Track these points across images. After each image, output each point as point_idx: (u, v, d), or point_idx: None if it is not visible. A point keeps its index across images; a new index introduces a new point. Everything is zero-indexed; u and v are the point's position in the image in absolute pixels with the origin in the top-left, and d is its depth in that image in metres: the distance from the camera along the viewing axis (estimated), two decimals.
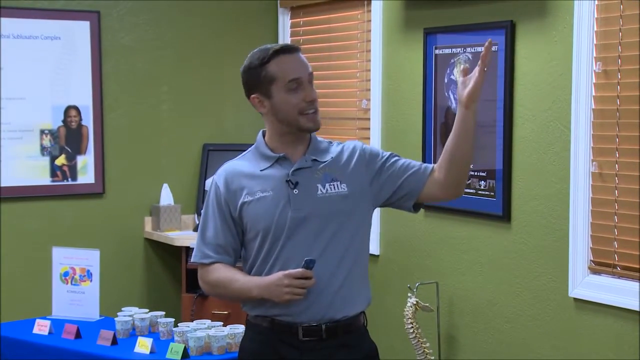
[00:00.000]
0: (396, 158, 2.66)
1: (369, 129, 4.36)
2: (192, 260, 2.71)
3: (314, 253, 2.54)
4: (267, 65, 2.57)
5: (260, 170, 2.61)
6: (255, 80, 2.59)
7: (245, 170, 2.63)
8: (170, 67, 4.82)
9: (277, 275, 2.53)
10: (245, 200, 2.60)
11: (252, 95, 2.62)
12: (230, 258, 2.64)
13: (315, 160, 2.62)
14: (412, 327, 3.76)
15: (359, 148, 2.66)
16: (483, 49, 2.49)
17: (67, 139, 4.58)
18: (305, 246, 2.55)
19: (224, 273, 2.62)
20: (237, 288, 2.60)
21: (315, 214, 2.56)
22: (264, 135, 2.67)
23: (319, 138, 2.70)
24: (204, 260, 2.64)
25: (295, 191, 2.57)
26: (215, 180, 2.67)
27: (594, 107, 3.31)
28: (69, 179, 4.60)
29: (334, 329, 2.58)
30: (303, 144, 2.64)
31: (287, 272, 2.51)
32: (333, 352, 2.58)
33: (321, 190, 2.58)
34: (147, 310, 3.70)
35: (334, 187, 2.59)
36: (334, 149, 2.67)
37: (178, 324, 3.47)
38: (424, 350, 3.76)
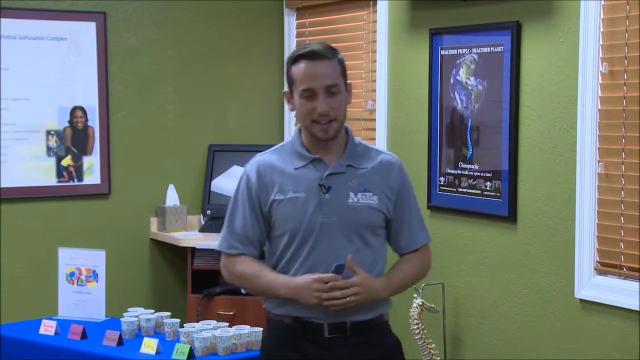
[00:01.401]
0: (411, 209, 2.71)
1: (374, 129, 4.36)
2: (217, 247, 2.73)
3: (342, 259, 2.55)
4: (292, 67, 2.61)
5: (294, 169, 2.62)
6: (286, 77, 2.65)
7: (278, 165, 2.64)
8: (176, 67, 4.83)
9: (306, 278, 2.55)
10: (276, 198, 2.61)
11: (285, 90, 2.67)
12: (256, 250, 2.68)
13: (350, 166, 2.62)
14: (417, 327, 3.75)
15: (399, 169, 2.69)
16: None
17: (73, 139, 4.59)
18: (333, 251, 2.58)
19: (250, 267, 2.64)
20: (264, 284, 2.62)
21: (345, 221, 2.59)
22: (300, 132, 2.67)
23: (357, 140, 2.70)
24: (230, 250, 2.67)
25: (327, 196, 2.59)
26: (247, 172, 2.67)
27: (600, 107, 3.31)
28: (75, 180, 4.60)
29: (358, 326, 2.62)
30: (338, 147, 2.64)
31: (317, 276, 2.54)
32: (356, 348, 2.61)
33: (352, 199, 2.60)
34: (153, 310, 3.70)
35: (366, 198, 2.61)
36: (373, 158, 2.67)
37: (184, 325, 3.47)
38: (429, 351, 3.75)
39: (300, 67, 2.57)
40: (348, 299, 2.53)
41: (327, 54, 2.60)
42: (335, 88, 2.58)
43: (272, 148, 2.72)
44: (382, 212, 2.63)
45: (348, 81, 2.66)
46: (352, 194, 2.60)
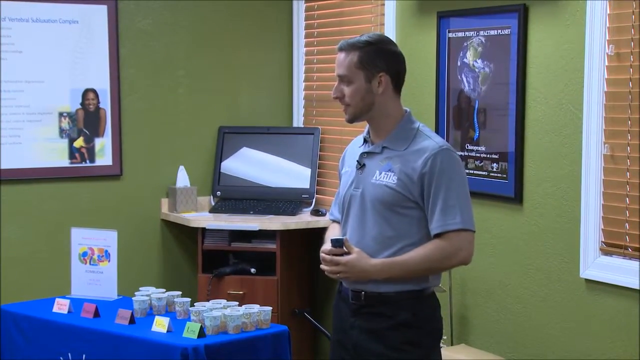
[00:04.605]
0: (438, 195, 2.70)
1: None
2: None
3: (358, 231, 2.76)
4: None
5: (359, 147, 2.86)
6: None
7: (356, 144, 2.90)
8: (187, 50, 4.86)
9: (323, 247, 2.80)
10: (342, 172, 2.91)
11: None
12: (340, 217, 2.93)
13: (386, 147, 2.76)
14: None
15: (431, 155, 2.70)
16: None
17: (85, 121, 4.64)
18: (355, 223, 2.78)
19: (327, 234, 2.94)
20: None
21: (366, 196, 2.75)
22: None
23: (415, 125, 2.78)
24: (329, 216, 3.03)
25: (360, 172, 2.79)
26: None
27: (606, 89, 3.33)
28: (87, 161, 4.65)
29: (372, 298, 2.76)
30: (384, 129, 2.78)
31: (323, 247, 2.77)
32: (370, 318, 2.77)
33: (376, 177, 2.75)
34: (164, 290, 3.74)
35: (386, 177, 2.73)
36: (415, 143, 2.74)
37: (194, 304, 3.51)
38: None
39: None
40: (338, 275, 2.74)
41: (340, 46, 2.78)
42: (346, 78, 2.76)
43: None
44: (399, 193, 2.71)
45: (379, 72, 2.76)
46: (377, 172, 2.75)
